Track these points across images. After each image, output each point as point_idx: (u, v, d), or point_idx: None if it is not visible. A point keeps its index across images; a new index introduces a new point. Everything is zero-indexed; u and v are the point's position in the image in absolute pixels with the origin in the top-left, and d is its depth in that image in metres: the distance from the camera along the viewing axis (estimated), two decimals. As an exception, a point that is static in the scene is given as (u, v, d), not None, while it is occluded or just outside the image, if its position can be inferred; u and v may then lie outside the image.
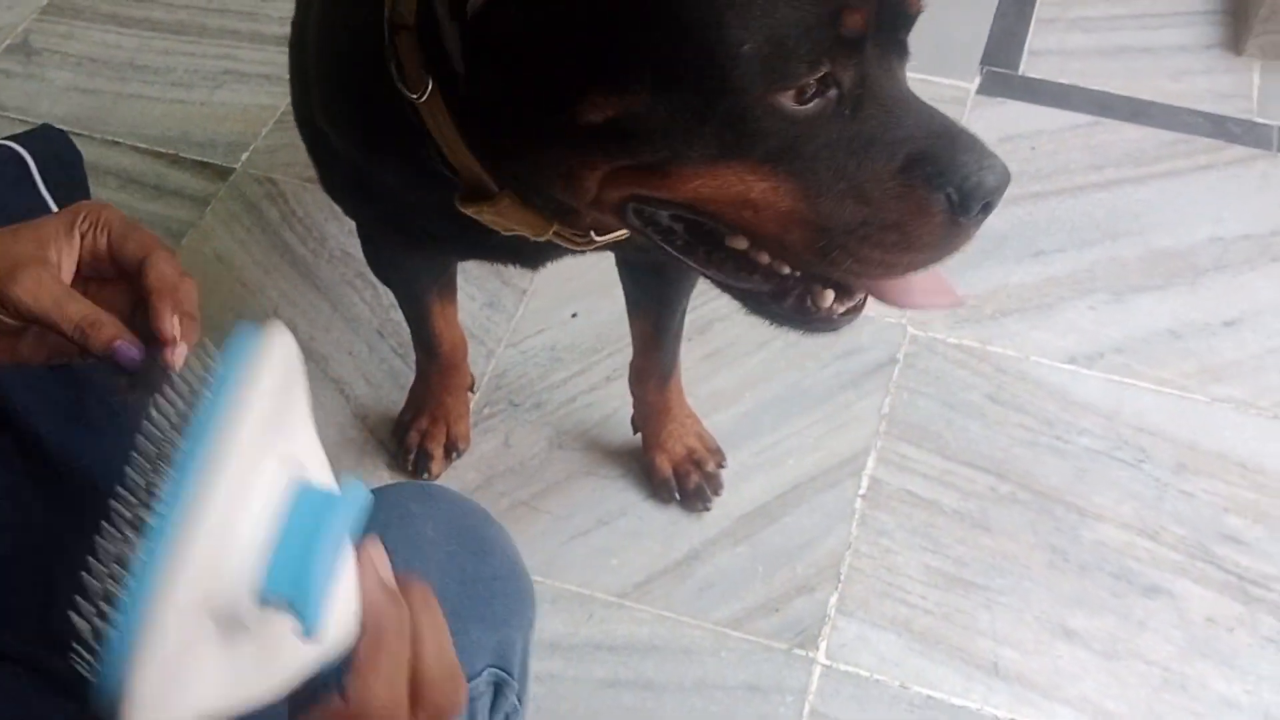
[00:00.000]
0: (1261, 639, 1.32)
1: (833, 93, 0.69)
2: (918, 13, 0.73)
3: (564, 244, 0.88)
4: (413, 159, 0.84)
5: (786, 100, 0.68)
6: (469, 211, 0.83)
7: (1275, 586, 1.35)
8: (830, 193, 0.71)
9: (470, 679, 0.76)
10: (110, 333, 0.64)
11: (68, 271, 0.67)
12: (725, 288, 0.82)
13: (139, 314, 0.68)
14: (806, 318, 0.81)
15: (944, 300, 0.82)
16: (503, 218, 0.83)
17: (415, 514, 0.79)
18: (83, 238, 0.68)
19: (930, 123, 0.72)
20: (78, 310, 0.64)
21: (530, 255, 1.02)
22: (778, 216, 0.73)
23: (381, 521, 0.76)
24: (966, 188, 0.71)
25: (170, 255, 0.68)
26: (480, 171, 0.81)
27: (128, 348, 0.64)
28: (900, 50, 0.73)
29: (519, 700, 0.82)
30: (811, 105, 0.69)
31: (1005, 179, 0.72)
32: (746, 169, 0.71)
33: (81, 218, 0.68)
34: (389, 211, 1.02)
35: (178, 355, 0.66)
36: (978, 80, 1.85)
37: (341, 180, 1.05)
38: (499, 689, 0.79)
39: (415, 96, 0.77)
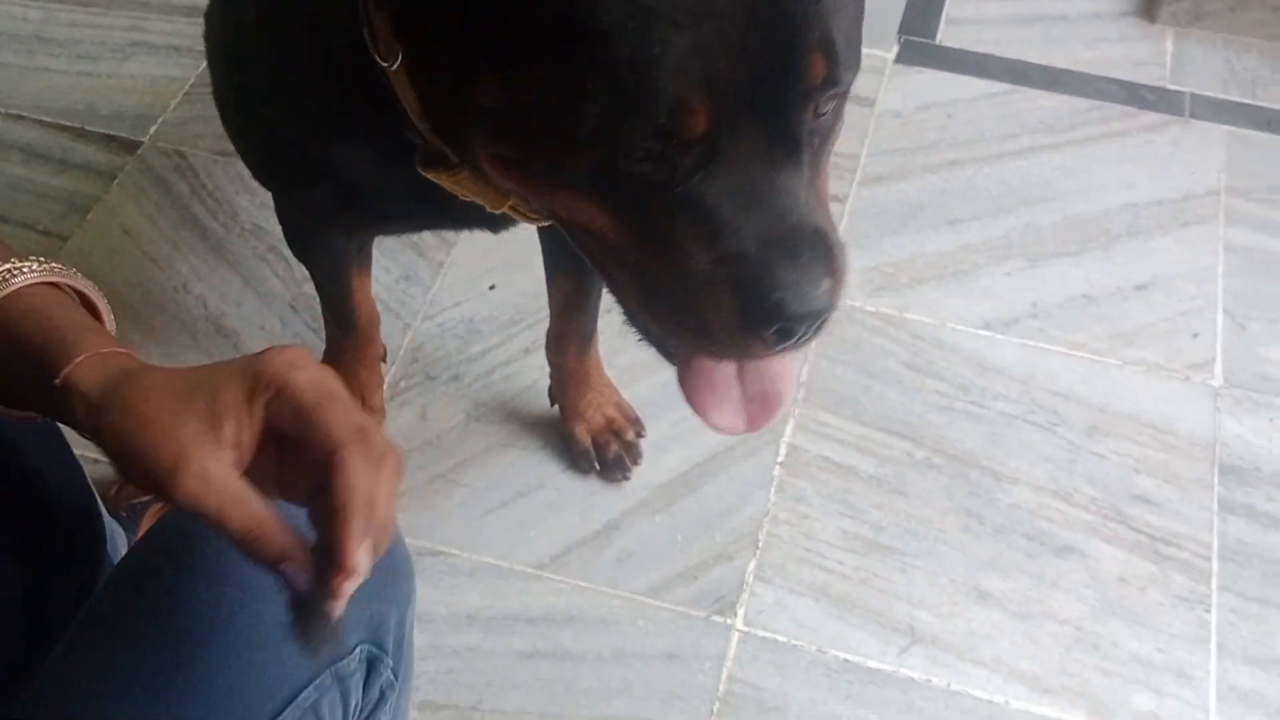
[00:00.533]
0: (1173, 597, 1.34)
1: (665, 167, 0.66)
2: (806, 96, 0.66)
3: (520, 218, 0.87)
4: (382, 129, 0.83)
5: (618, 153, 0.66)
6: (429, 175, 0.82)
7: (1186, 545, 1.37)
8: (653, 252, 0.69)
9: (341, 657, 0.74)
10: (275, 551, 0.58)
11: (248, 446, 0.60)
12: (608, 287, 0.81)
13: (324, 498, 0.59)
14: (664, 349, 0.79)
15: (731, 424, 0.79)
16: (461, 187, 0.83)
17: None
18: (267, 407, 0.59)
19: (774, 227, 0.66)
20: (243, 520, 0.58)
21: (495, 219, 1.01)
22: (610, 253, 0.72)
23: None
24: (763, 304, 0.66)
25: (367, 448, 0.58)
26: (439, 141, 0.80)
27: (295, 571, 0.58)
28: (786, 141, 0.67)
29: (394, 675, 0.80)
30: (642, 166, 0.66)
31: (813, 312, 0.67)
32: (586, 197, 0.70)
33: (264, 384, 0.59)
34: (339, 189, 0.99)
35: (347, 588, 0.58)
36: (895, 49, 1.85)
37: (291, 166, 1.02)
38: (372, 665, 0.78)
39: (387, 65, 0.75)
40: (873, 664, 1.28)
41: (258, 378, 0.59)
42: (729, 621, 1.31)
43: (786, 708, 1.25)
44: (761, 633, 1.30)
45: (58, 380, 0.61)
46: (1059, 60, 1.85)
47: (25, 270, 0.67)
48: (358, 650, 0.76)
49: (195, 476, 0.57)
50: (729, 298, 0.67)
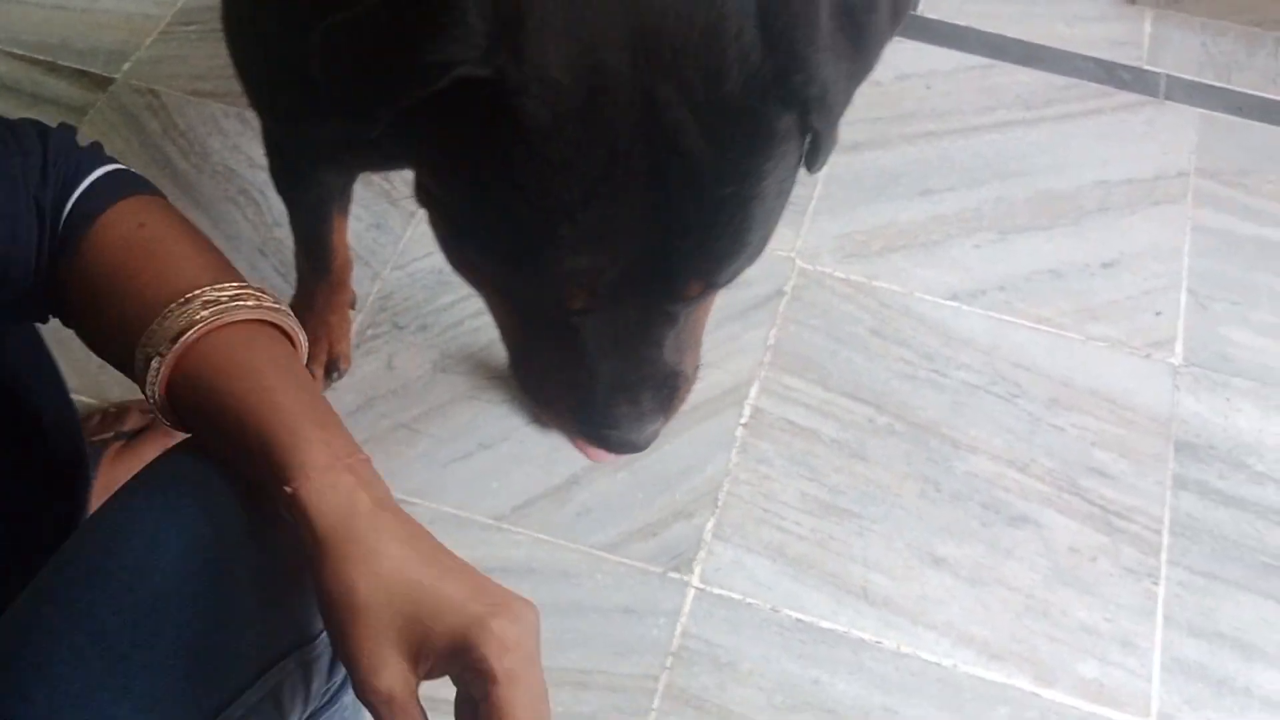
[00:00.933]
0: (1122, 569, 1.36)
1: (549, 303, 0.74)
2: (683, 301, 0.74)
3: None
4: None
5: None
6: None
7: (1138, 519, 1.40)
8: (528, 344, 0.78)
9: (308, 641, 0.72)
10: None
11: (433, 677, 0.63)
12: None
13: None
14: None
15: (596, 454, 0.89)
16: None
17: None
18: (463, 670, 0.62)
19: (628, 373, 0.75)
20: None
21: None
22: (500, 319, 0.81)
23: (223, 475, 0.71)
24: (594, 433, 0.78)
25: None
26: None
27: None
28: (664, 317, 0.74)
29: None
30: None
31: (631, 448, 0.79)
32: (484, 278, 0.77)
33: (473, 658, 0.60)
34: (340, 124, 1.00)
35: None
36: (877, 17, 1.85)
37: (295, 100, 1.00)
38: None
39: None
40: (825, 624, 1.30)
41: (468, 650, 0.60)
42: (685, 578, 1.32)
43: (738, 664, 1.27)
44: (717, 590, 1.32)
45: (288, 489, 0.64)
46: (1038, 36, 1.86)
47: (240, 304, 0.69)
48: (324, 635, 0.73)
49: (383, 694, 0.61)
50: (571, 416, 0.78)
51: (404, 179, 1.61)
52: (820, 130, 0.69)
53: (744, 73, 0.64)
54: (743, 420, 1.44)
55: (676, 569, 1.33)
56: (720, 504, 1.37)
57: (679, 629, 1.29)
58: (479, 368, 1.46)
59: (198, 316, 0.68)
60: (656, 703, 1.24)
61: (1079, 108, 1.78)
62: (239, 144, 1.63)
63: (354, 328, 1.47)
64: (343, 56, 0.67)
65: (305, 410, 0.67)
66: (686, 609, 1.30)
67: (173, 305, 0.68)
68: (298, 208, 1.30)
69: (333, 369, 1.43)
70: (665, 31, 0.63)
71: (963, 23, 1.87)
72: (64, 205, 0.75)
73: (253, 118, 1.60)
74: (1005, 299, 1.56)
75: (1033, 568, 1.35)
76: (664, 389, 0.77)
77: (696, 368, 0.81)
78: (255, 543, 0.70)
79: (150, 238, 0.74)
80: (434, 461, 1.39)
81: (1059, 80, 1.81)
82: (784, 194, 0.72)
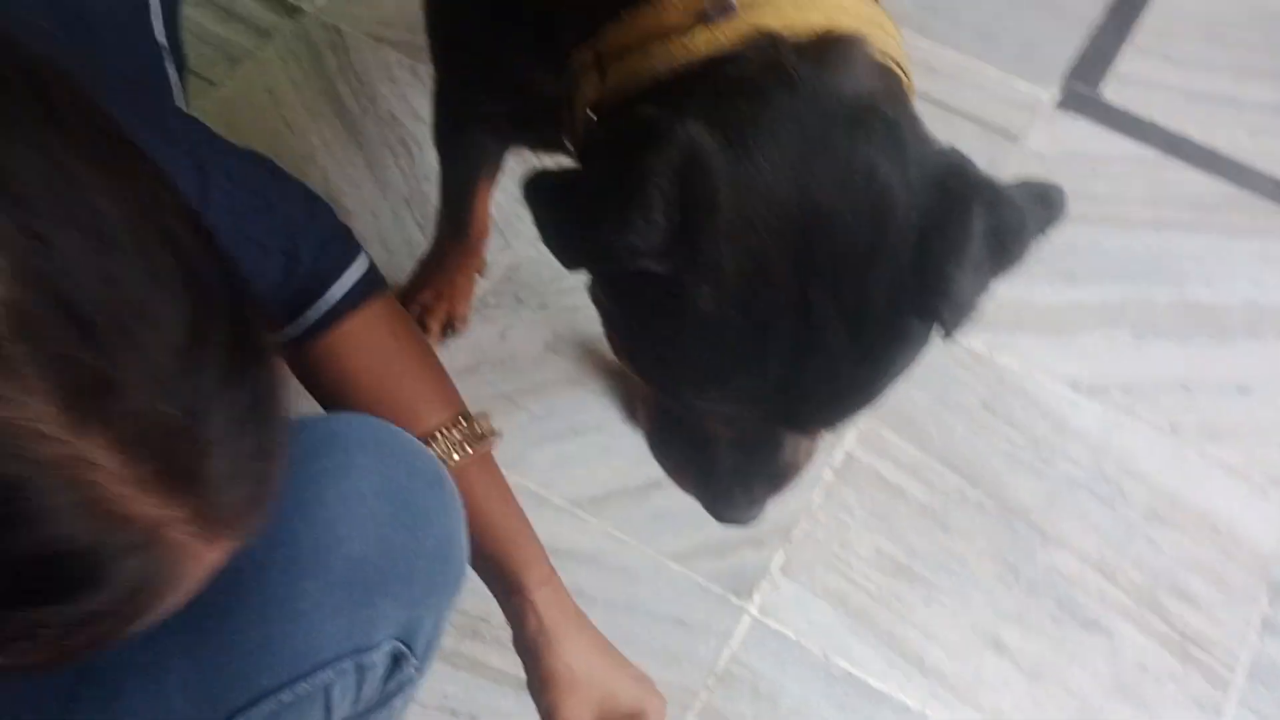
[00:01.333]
0: (1189, 698, 1.32)
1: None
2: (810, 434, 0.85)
3: None
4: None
5: None
6: None
7: (1215, 652, 1.35)
8: (663, 424, 0.89)
9: (367, 649, 0.75)
10: None
11: None
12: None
13: None
14: None
15: None
16: None
17: (357, 466, 0.75)
18: None
19: (750, 465, 0.84)
20: None
21: None
22: (643, 395, 0.92)
23: (319, 468, 0.74)
24: (711, 509, 0.90)
25: None
26: None
27: None
28: (800, 435, 0.84)
29: (417, 670, 0.82)
30: None
31: (739, 524, 0.89)
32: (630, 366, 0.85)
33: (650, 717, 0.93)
34: (511, 103, 1.07)
35: None
36: (1056, 92, 1.81)
37: (474, 68, 1.07)
38: (397, 661, 0.79)
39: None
40: (874, 682, 1.28)
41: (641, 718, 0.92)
42: (744, 605, 1.32)
43: (778, 699, 1.26)
44: (773, 623, 1.31)
45: (525, 594, 0.90)
46: (1219, 142, 1.80)
47: (468, 443, 0.91)
48: (387, 645, 0.77)
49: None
50: (692, 485, 0.90)
51: (559, 161, 1.64)
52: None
53: (892, 289, 0.70)
54: (833, 464, 1.43)
55: (737, 593, 1.32)
56: (794, 541, 1.37)
57: (727, 652, 1.29)
58: (588, 355, 1.48)
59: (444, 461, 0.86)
60: (691, 719, 1.24)
61: (1246, 223, 1.72)
62: (407, 94, 1.68)
63: (477, 293, 1.50)
64: (543, 213, 0.75)
65: (525, 534, 0.93)
66: (739, 635, 1.30)
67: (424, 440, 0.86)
68: (450, 166, 1.33)
69: (448, 328, 1.46)
70: (829, 245, 0.69)
71: (1143, 113, 1.82)
72: (328, 283, 0.84)
73: (425, 72, 1.65)
74: (1128, 401, 1.52)
75: (1096, 676, 1.32)
76: (778, 479, 0.86)
77: (811, 455, 0.88)
78: (356, 544, 0.73)
79: (403, 353, 0.90)
80: (527, 437, 1.41)
81: (1231, 190, 1.75)
82: (909, 368, 0.78)
